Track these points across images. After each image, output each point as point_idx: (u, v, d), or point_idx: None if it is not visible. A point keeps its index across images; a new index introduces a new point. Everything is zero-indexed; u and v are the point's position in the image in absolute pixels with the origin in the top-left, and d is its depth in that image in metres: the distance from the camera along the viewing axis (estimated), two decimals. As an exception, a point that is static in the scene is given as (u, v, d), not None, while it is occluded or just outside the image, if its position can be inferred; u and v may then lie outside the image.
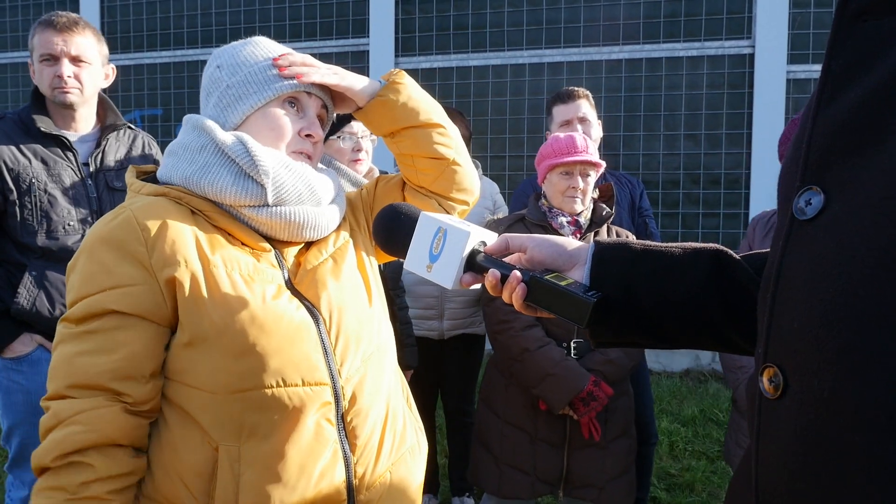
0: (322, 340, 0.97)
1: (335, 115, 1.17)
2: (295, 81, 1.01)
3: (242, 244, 0.99)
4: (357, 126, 1.86)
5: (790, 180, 0.56)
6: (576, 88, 2.42)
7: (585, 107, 2.38)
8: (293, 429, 0.93)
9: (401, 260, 0.89)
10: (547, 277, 0.77)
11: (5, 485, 2.01)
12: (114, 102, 2.10)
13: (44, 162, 1.87)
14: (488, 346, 2.17)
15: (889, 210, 0.45)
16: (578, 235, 1.95)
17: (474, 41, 4.75)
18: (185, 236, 0.92)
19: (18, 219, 1.84)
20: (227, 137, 0.97)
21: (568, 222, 1.94)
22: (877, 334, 0.45)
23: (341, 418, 0.98)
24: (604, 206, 2.02)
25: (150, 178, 1.05)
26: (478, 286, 0.85)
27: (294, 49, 1.07)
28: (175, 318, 0.92)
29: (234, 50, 1.05)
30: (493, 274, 0.81)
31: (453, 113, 2.52)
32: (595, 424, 1.87)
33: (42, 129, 1.86)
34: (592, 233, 1.97)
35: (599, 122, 2.45)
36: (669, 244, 0.79)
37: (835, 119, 0.52)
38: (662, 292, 0.75)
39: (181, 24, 5.28)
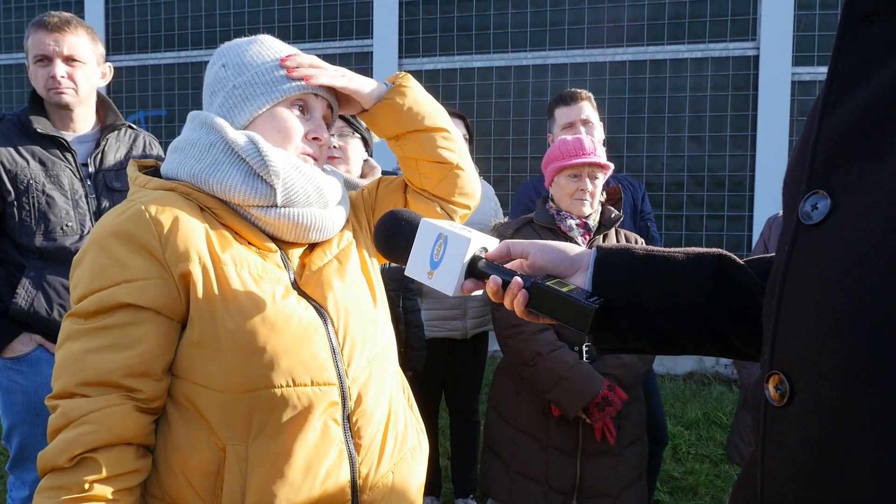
0: (330, 341, 0.97)
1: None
2: (303, 83, 1.00)
3: (249, 244, 0.98)
4: (336, 125, 1.84)
5: (796, 184, 0.55)
6: (578, 90, 2.40)
7: (588, 109, 2.36)
8: (301, 428, 0.93)
9: (402, 266, 0.88)
10: (548, 283, 0.76)
11: (7, 485, 2.01)
12: (118, 103, 2.10)
13: (42, 163, 1.86)
14: (493, 345, 2.15)
15: (898, 215, 0.45)
16: (587, 238, 1.94)
17: (478, 42, 4.75)
18: (196, 232, 0.92)
19: (17, 220, 1.84)
20: (238, 137, 0.96)
21: (577, 225, 1.93)
22: (885, 341, 0.44)
23: (347, 418, 0.98)
24: (612, 208, 2.01)
25: (152, 173, 1.04)
26: (480, 292, 0.84)
27: (298, 50, 1.06)
28: (187, 314, 0.91)
29: (239, 49, 1.03)
30: (494, 280, 0.80)
31: (455, 115, 2.51)
32: (610, 427, 1.84)
33: (39, 130, 1.85)
34: (601, 235, 1.96)
35: (602, 123, 2.45)
36: (672, 249, 0.78)
37: (841, 122, 0.51)
38: (665, 298, 0.74)
39: (185, 26, 5.30)
